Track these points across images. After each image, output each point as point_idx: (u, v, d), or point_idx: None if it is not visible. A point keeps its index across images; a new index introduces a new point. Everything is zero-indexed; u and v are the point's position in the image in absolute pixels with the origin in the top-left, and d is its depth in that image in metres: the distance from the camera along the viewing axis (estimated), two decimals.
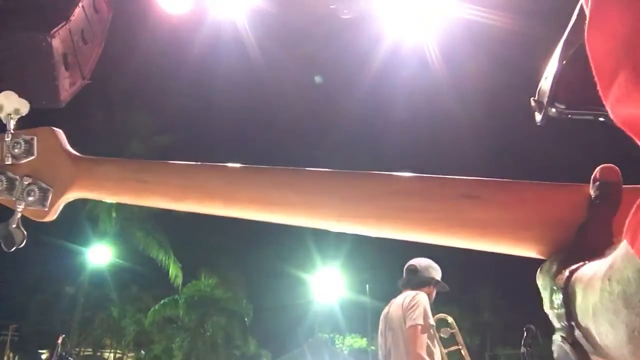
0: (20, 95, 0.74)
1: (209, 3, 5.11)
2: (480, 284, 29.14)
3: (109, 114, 21.22)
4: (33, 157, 0.71)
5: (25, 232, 0.72)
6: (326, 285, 27.77)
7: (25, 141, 0.71)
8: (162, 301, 22.18)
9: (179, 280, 21.03)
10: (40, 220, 0.73)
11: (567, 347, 0.43)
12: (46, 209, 0.72)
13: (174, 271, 20.70)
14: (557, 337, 0.46)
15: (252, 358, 26.08)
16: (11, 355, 24.80)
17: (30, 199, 0.70)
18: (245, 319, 23.36)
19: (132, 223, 20.88)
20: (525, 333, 5.73)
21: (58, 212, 0.74)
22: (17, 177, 0.71)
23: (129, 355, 27.36)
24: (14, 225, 0.71)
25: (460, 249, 0.66)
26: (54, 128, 0.73)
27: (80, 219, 20.48)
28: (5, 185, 0.70)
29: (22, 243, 0.72)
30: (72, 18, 3.71)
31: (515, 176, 0.62)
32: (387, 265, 30.87)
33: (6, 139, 0.71)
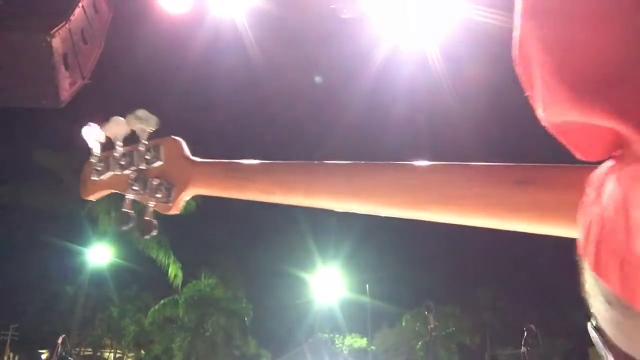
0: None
1: (208, 3, 5.11)
2: (480, 284, 29.16)
3: (109, 114, 21.16)
4: (161, 162, 0.87)
5: (156, 223, 0.86)
6: (326, 285, 27.77)
7: (155, 149, 0.87)
8: (162, 301, 22.17)
9: (179, 280, 21.02)
10: (167, 213, 0.86)
11: (594, 332, 0.44)
12: (170, 204, 0.86)
13: (174, 271, 20.69)
14: (589, 323, 0.47)
15: (252, 358, 26.08)
16: (11, 355, 24.79)
17: (158, 195, 0.85)
18: (245, 319, 23.35)
19: None
20: (525, 333, 5.74)
21: (180, 206, 0.87)
22: (149, 178, 0.86)
23: (129, 355, 27.35)
24: (147, 218, 0.85)
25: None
26: (177, 137, 0.89)
27: (80, 219, 20.48)
28: (140, 185, 0.86)
29: (154, 232, 0.85)
30: (72, 18, 3.71)
31: None
32: (387, 265, 30.91)
33: (140, 148, 0.88)
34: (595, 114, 0.32)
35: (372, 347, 28.31)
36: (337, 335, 29.65)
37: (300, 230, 28.97)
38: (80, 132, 0.94)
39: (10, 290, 22.87)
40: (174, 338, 22.61)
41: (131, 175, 0.87)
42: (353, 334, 29.44)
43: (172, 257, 20.67)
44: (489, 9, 5.13)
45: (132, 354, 27.11)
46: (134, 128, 0.88)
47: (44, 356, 24.70)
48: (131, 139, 0.91)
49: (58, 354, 6.75)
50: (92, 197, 0.95)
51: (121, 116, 0.90)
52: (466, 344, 27.19)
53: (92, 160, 0.91)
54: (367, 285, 27.10)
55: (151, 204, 0.85)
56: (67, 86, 3.76)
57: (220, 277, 23.49)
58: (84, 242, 20.84)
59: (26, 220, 20.71)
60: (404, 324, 27.69)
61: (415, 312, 25.69)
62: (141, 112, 0.88)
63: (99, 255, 20.77)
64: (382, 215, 0.74)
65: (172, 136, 0.89)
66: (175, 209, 0.86)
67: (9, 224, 20.82)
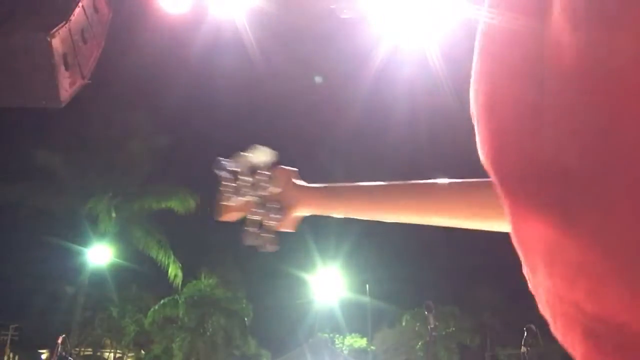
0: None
1: (208, 3, 5.11)
2: (481, 284, 29.15)
3: (109, 114, 21.22)
4: (278, 189, 1.05)
5: (275, 239, 1.04)
6: (326, 285, 27.77)
7: (272, 178, 1.06)
8: (162, 301, 22.17)
9: (179, 280, 21.03)
10: (282, 230, 1.05)
11: None
12: (285, 224, 1.04)
13: (174, 271, 20.70)
14: None
15: (252, 358, 26.09)
16: (11, 355, 24.80)
17: (274, 215, 1.03)
18: (245, 319, 23.36)
19: (132, 223, 20.88)
20: (525, 333, 5.73)
21: (294, 225, 1.06)
22: (267, 202, 1.05)
23: (129, 355, 27.35)
24: (267, 235, 1.04)
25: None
26: (289, 168, 1.08)
27: (80, 219, 20.48)
28: (261, 209, 1.04)
29: (275, 247, 1.04)
30: (72, 18, 3.71)
31: None
32: (387, 265, 30.92)
33: (260, 177, 1.06)
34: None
35: (372, 347, 28.30)
36: (337, 335, 29.65)
37: (300, 231, 28.91)
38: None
39: (10, 290, 22.89)
40: (174, 338, 22.61)
41: (255, 200, 1.06)
42: (353, 334, 29.43)
43: (172, 257, 20.67)
44: (488, 9, 5.13)
45: (132, 354, 27.11)
46: (257, 161, 1.08)
47: (44, 356, 24.72)
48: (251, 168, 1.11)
49: (58, 354, 6.75)
50: (225, 219, 1.13)
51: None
52: (466, 344, 27.19)
53: (224, 187, 1.09)
54: (367, 285, 27.12)
55: (270, 223, 1.04)
56: (67, 86, 3.76)
57: (220, 277, 23.49)
58: (84, 242, 20.84)
59: (26, 220, 20.72)
60: (404, 324, 27.68)
61: (415, 312, 25.69)
62: (263, 148, 1.09)
63: (99, 255, 20.76)
64: (451, 226, 0.87)
65: (284, 167, 1.08)
66: (290, 228, 1.06)
67: (9, 224, 20.84)
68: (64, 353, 6.84)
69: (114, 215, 20.03)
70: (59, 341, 6.94)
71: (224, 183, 1.08)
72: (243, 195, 1.06)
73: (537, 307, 0.39)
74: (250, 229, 1.05)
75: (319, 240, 28.03)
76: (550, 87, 0.32)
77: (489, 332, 28.60)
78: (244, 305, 23.44)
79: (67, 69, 3.73)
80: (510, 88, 0.37)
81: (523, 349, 5.70)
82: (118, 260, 21.51)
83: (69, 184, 20.70)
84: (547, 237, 0.33)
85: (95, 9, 4.18)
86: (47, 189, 20.43)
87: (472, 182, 0.84)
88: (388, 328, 29.81)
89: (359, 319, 29.04)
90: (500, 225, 0.78)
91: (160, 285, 22.19)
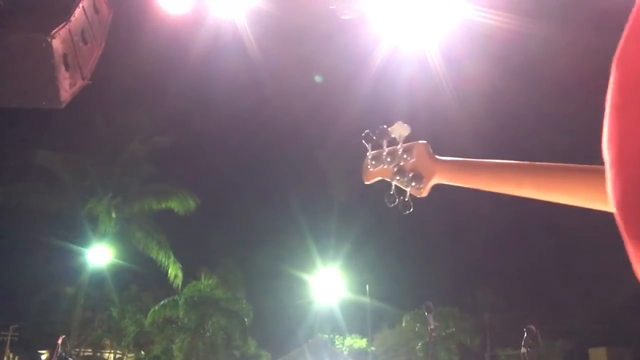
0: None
1: (208, 4, 5.11)
2: (480, 284, 29.15)
3: (109, 115, 21.22)
4: (414, 159, 1.20)
5: (411, 203, 1.20)
6: (326, 286, 27.74)
7: (409, 149, 1.21)
8: (162, 302, 22.15)
9: (179, 281, 21.00)
10: (419, 196, 1.19)
11: None
12: (422, 190, 1.18)
13: (174, 271, 20.68)
14: None
15: (252, 358, 26.08)
16: (11, 355, 24.79)
17: (413, 183, 1.18)
18: (245, 320, 23.33)
19: (131, 223, 20.87)
20: (525, 333, 5.73)
21: (427, 191, 1.19)
22: (406, 171, 1.20)
23: (128, 355, 27.34)
24: (405, 199, 1.20)
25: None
26: (424, 142, 1.22)
27: (80, 219, 20.47)
28: (400, 176, 1.20)
29: (410, 209, 1.20)
30: (72, 18, 3.71)
31: None
32: (387, 265, 30.89)
33: (399, 149, 1.23)
34: None
35: (372, 348, 28.28)
36: (337, 336, 29.62)
37: (300, 231, 28.97)
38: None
39: (10, 290, 22.88)
40: (174, 338, 22.60)
41: (394, 168, 1.22)
42: (353, 335, 29.42)
43: (172, 257, 20.66)
44: (489, 9, 5.14)
45: (132, 355, 27.09)
46: (396, 134, 1.24)
47: (43, 357, 24.68)
48: (392, 142, 1.27)
49: (58, 354, 6.74)
50: (368, 182, 1.31)
51: None
52: (466, 345, 27.17)
53: (369, 154, 1.29)
54: (367, 286, 27.09)
55: (407, 189, 1.19)
56: (67, 86, 3.76)
57: (220, 277, 23.47)
58: (84, 242, 20.82)
59: (26, 220, 20.70)
60: (404, 324, 27.68)
61: (415, 313, 25.68)
62: (401, 123, 1.24)
63: (99, 255, 20.75)
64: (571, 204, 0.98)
65: (420, 141, 1.22)
66: (425, 193, 1.19)
67: (9, 224, 20.82)
68: (63, 354, 6.83)
69: (114, 215, 20.01)
70: (59, 342, 6.93)
71: (369, 152, 1.28)
72: (384, 163, 1.25)
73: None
74: (390, 193, 1.22)
75: (319, 240, 28.05)
76: None
77: (489, 332, 28.59)
78: (244, 306, 23.42)
79: (67, 69, 3.73)
80: None
81: (523, 349, 5.69)
82: (118, 260, 21.50)
83: (69, 184, 20.69)
84: None
85: (96, 10, 4.18)
86: (47, 189, 20.42)
87: (592, 168, 0.92)
88: (388, 329, 29.81)
89: (359, 320, 29.05)
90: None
91: (160, 285, 22.20)
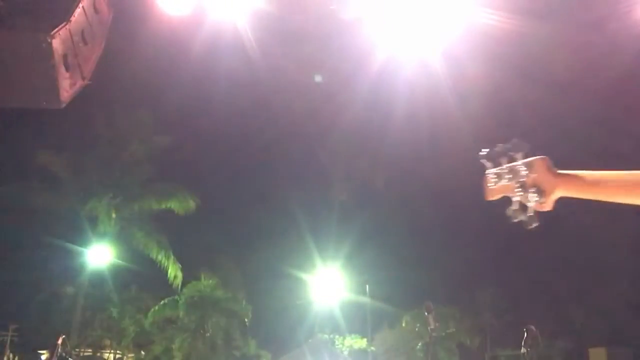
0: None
1: (209, 4, 5.12)
2: (480, 284, 29.13)
3: (109, 115, 21.20)
4: (534, 175, 1.22)
5: (536, 217, 1.22)
6: (326, 286, 27.73)
7: (529, 165, 1.23)
8: (162, 302, 22.14)
9: (179, 281, 21.00)
10: (542, 210, 1.22)
11: None
12: (544, 204, 1.21)
13: (174, 272, 20.68)
14: None
15: (252, 358, 26.06)
16: (11, 355, 24.77)
17: (536, 198, 1.21)
18: (245, 320, 23.33)
19: (131, 223, 20.86)
20: (525, 333, 5.73)
21: (551, 205, 1.22)
22: (527, 186, 1.22)
23: (128, 355, 27.32)
24: (529, 214, 1.23)
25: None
26: (544, 157, 1.24)
27: (80, 219, 20.46)
28: (522, 191, 1.22)
29: (536, 223, 1.22)
30: (73, 19, 3.72)
31: None
32: (387, 265, 30.87)
33: (519, 165, 1.26)
34: None
35: (372, 348, 28.28)
36: (337, 336, 29.61)
37: (300, 231, 28.94)
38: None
39: (10, 290, 22.86)
40: (174, 339, 22.59)
41: (516, 184, 1.24)
42: (353, 335, 29.40)
43: (172, 257, 20.66)
44: (489, 10, 5.14)
45: (132, 355, 27.08)
46: (514, 151, 1.27)
47: (43, 357, 24.65)
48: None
49: (58, 354, 6.74)
50: (492, 199, 1.34)
51: None
52: (466, 345, 27.17)
53: (489, 172, 1.32)
54: (367, 286, 27.08)
55: (529, 203, 1.22)
56: (67, 86, 3.76)
57: (220, 277, 23.46)
58: (84, 242, 20.81)
59: (26, 220, 20.69)
60: (404, 324, 27.67)
61: (415, 313, 25.66)
62: (518, 140, 1.28)
63: (99, 255, 20.74)
64: None
65: (543, 157, 1.25)
66: (548, 207, 1.22)
67: (9, 224, 20.81)
68: (63, 354, 6.83)
69: (114, 215, 20.01)
70: (59, 342, 6.93)
71: (489, 170, 1.32)
72: (505, 179, 1.28)
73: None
74: (514, 209, 1.26)
75: (319, 240, 28.03)
76: None
77: (489, 332, 28.59)
78: (243, 306, 23.41)
79: (67, 69, 3.73)
80: None
81: (523, 349, 5.69)
82: (118, 260, 21.50)
83: (69, 184, 20.69)
84: None
85: (96, 10, 4.18)
86: (47, 189, 20.42)
87: None
88: (388, 329, 29.81)
89: (359, 320, 29.02)
90: None
91: (160, 285, 22.17)
